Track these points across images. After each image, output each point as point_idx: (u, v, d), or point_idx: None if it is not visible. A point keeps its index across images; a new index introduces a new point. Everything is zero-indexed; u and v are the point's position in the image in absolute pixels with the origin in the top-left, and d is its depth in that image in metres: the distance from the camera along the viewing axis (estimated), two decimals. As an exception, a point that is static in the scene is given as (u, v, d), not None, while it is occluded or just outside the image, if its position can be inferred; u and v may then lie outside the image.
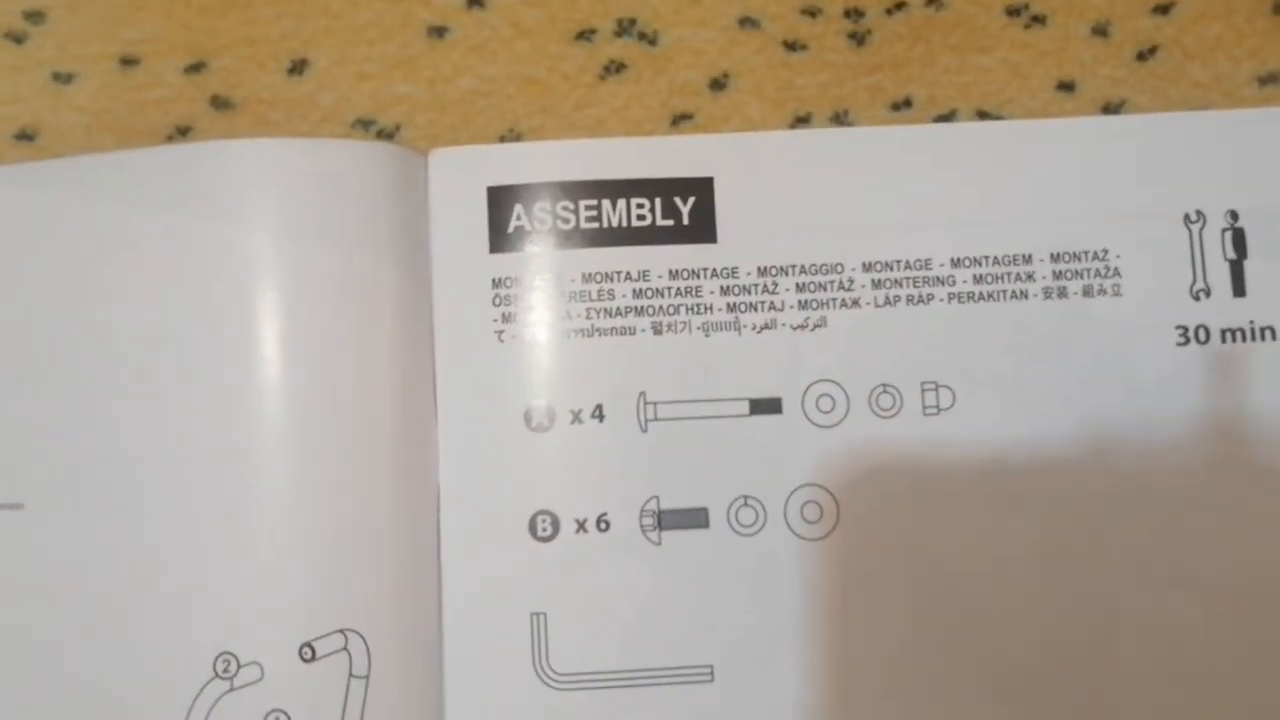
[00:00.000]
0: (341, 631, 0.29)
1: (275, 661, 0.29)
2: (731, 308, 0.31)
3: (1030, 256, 0.31)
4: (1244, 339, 0.31)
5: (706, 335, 0.31)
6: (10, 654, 0.29)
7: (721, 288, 0.31)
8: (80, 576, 0.29)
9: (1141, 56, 0.33)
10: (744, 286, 0.31)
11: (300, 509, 0.29)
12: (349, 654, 0.29)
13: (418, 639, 0.29)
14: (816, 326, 0.31)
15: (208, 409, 0.29)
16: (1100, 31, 0.33)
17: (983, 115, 0.32)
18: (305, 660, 0.29)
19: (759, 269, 0.31)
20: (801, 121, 0.32)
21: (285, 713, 0.28)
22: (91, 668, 0.29)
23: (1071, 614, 0.30)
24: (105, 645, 0.29)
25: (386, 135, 0.32)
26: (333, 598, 0.29)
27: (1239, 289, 0.31)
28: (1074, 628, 0.30)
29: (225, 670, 0.29)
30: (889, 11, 0.33)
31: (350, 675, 0.29)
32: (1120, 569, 0.30)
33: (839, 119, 0.32)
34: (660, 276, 0.31)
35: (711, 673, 0.30)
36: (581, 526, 0.30)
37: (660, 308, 0.31)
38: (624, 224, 0.31)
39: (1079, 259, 0.31)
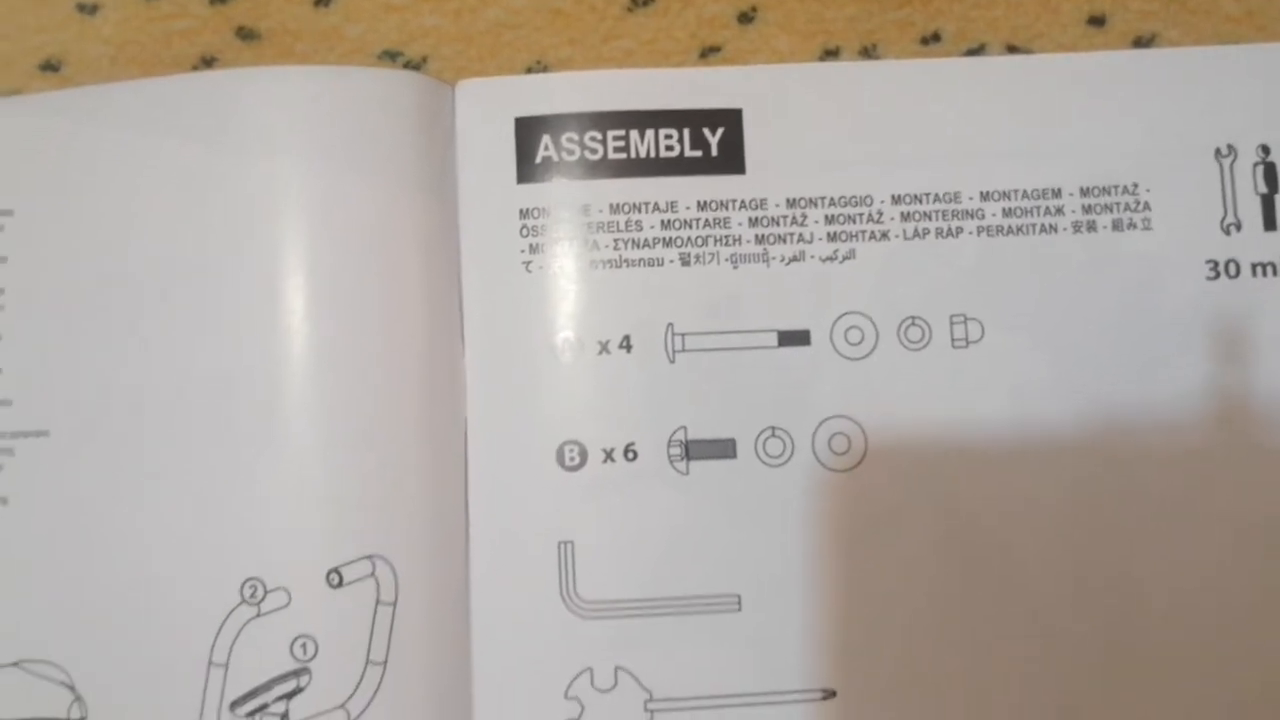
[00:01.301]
0: (369, 558, 0.29)
1: (302, 587, 0.28)
2: (760, 239, 0.31)
3: (1060, 190, 0.31)
4: (1275, 273, 0.31)
5: (735, 267, 0.30)
6: (37, 581, 0.29)
7: (750, 219, 0.31)
8: (106, 503, 0.29)
9: (1172, -8, 0.33)
10: (772, 218, 0.31)
11: (327, 436, 0.29)
12: (376, 580, 0.29)
13: (445, 567, 0.29)
14: (845, 258, 0.31)
15: (234, 338, 0.29)
16: (1130, -33, 0.33)
17: (1012, 49, 0.32)
18: (332, 586, 0.29)
19: (788, 200, 0.31)
20: (830, 55, 0.32)
21: (312, 638, 0.28)
22: (118, 594, 0.29)
23: (1097, 549, 0.30)
24: (131, 571, 0.29)
25: (413, 67, 0.32)
26: (360, 524, 0.29)
27: (1270, 223, 0.31)
28: (1100, 563, 0.30)
29: (252, 596, 0.29)
30: (918, -53, 0.33)
31: (378, 602, 0.29)
32: (1148, 505, 0.30)
33: (867, 53, 0.32)
34: (688, 208, 0.31)
35: (739, 602, 0.30)
36: (609, 456, 0.30)
37: (688, 239, 0.31)
38: (652, 155, 0.31)
39: (1109, 193, 0.31)
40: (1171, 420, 0.30)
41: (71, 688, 0.29)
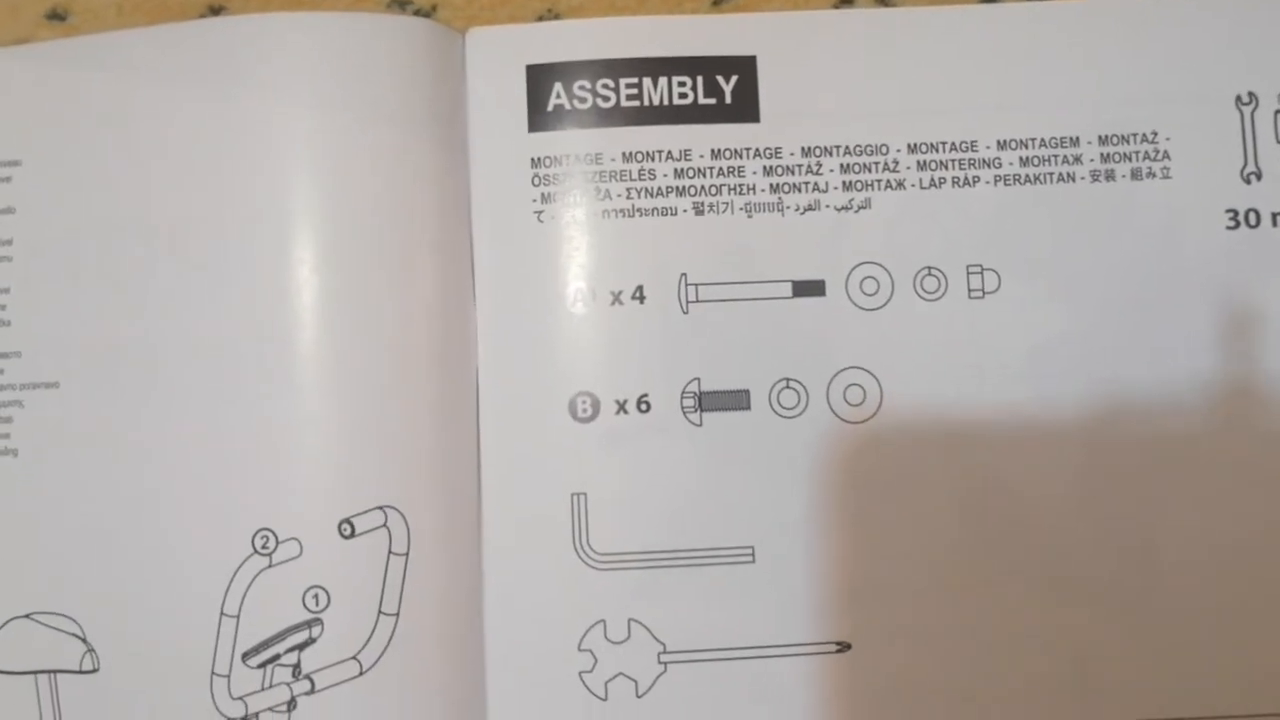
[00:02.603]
0: (381, 509, 0.29)
1: (314, 538, 0.28)
2: (774, 188, 0.30)
3: (1078, 139, 0.31)
4: (1295, 223, 0.31)
5: (749, 216, 0.30)
6: (48, 533, 0.29)
7: (764, 168, 0.30)
8: (117, 455, 0.29)
9: (1192, -61, 0.32)
10: (787, 167, 0.30)
11: (339, 388, 0.29)
12: (388, 531, 0.29)
13: (457, 518, 0.29)
14: (861, 208, 0.30)
15: (245, 288, 0.29)
16: (1150, -86, 0.32)
17: (1030, -3, 0.32)
18: (344, 537, 0.28)
19: (802, 149, 0.30)
20: (846, 2, 0.32)
21: (324, 589, 0.28)
22: (129, 545, 0.29)
23: (1112, 501, 0.30)
24: (142, 522, 0.29)
25: (423, 14, 0.32)
26: (372, 475, 0.29)
27: (1291, 172, 0.31)
28: (1114, 515, 0.30)
29: (264, 546, 0.28)
30: (934, -107, 0.32)
31: (390, 552, 0.29)
32: (1164, 457, 0.30)
33: (884, 0, 0.32)
34: (702, 156, 0.30)
35: (752, 554, 0.29)
36: (622, 408, 0.30)
37: (702, 188, 0.30)
38: (665, 102, 0.30)
39: (1127, 141, 0.31)
40: (1190, 370, 0.30)
41: (84, 639, 0.29)
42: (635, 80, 0.30)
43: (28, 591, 0.29)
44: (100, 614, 0.29)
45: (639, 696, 0.29)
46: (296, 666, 0.28)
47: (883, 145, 0.30)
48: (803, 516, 0.30)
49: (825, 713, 0.29)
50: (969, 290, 0.30)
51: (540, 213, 0.30)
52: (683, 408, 0.30)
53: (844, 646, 0.29)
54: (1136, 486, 0.30)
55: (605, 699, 0.29)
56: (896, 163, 0.30)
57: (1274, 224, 0.30)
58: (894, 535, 0.30)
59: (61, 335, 0.30)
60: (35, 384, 0.30)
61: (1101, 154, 0.30)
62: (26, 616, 0.29)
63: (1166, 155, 0.31)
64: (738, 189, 0.30)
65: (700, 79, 0.30)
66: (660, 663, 0.29)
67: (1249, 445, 0.30)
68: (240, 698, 0.28)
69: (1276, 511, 0.30)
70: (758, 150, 0.30)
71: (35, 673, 0.29)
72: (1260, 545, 0.29)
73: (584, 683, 0.29)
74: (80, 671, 0.29)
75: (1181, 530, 0.30)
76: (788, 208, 0.30)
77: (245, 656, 0.28)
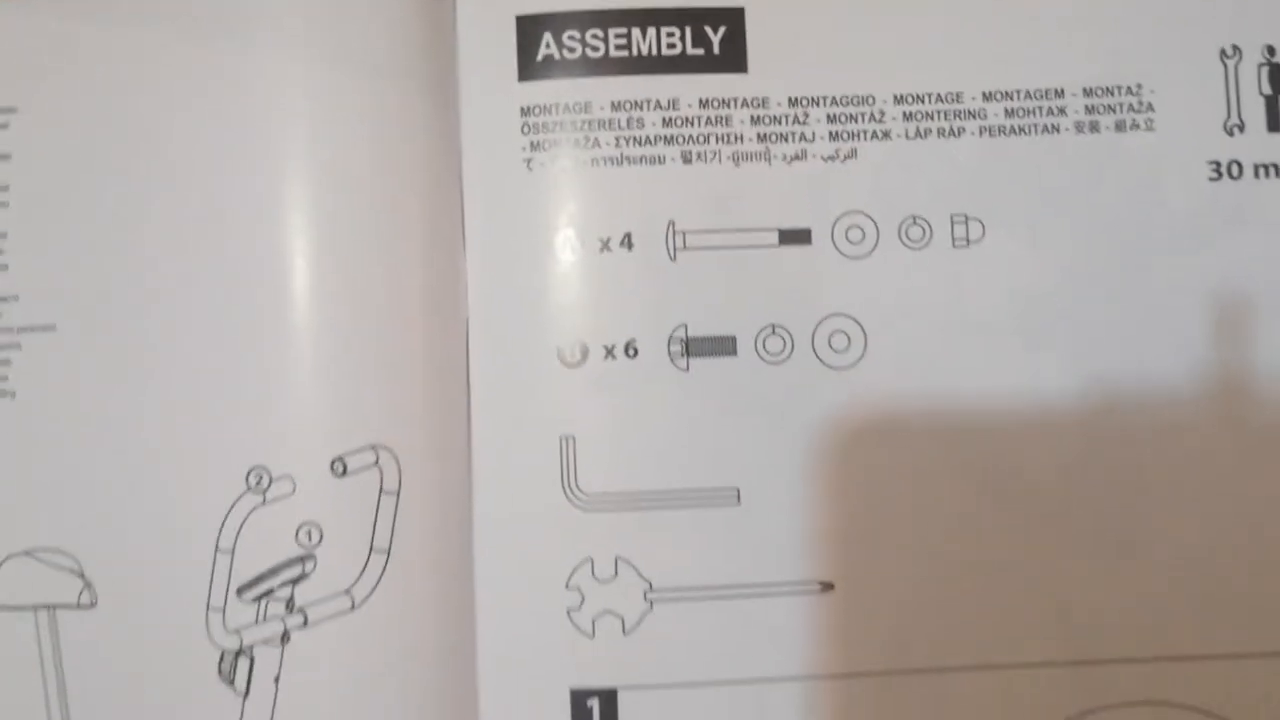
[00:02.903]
0: (373, 448, 0.29)
1: (307, 476, 0.29)
2: (762, 138, 0.31)
3: (1063, 91, 0.31)
4: (1277, 174, 0.31)
5: (736, 165, 0.31)
6: (46, 471, 0.30)
7: (752, 117, 0.31)
8: (113, 395, 0.30)
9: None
10: (774, 117, 0.31)
11: (331, 330, 0.29)
12: (380, 470, 0.29)
13: (447, 459, 0.30)
14: (847, 158, 0.31)
15: (239, 230, 0.29)
16: None
17: (1017, -50, 0.32)
18: (337, 475, 0.29)
19: (789, 99, 0.31)
20: (834, -45, 0.32)
21: (317, 525, 0.29)
22: (126, 483, 0.29)
23: (1097, 441, 0.30)
24: (138, 461, 0.29)
25: (415, -35, 0.32)
26: (364, 415, 0.29)
27: (1274, 124, 0.31)
28: (1099, 455, 0.30)
29: (258, 484, 0.29)
30: None
31: (381, 491, 0.29)
32: (1148, 398, 0.30)
33: (872, -47, 0.32)
34: (690, 105, 0.31)
35: (738, 495, 0.30)
36: (610, 353, 0.30)
37: (690, 137, 0.31)
38: (654, 53, 0.31)
39: (1112, 93, 0.31)
40: (1171, 320, 0.30)
41: (81, 575, 0.29)
42: (624, 30, 0.31)
43: (26, 529, 0.30)
44: (98, 550, 0.29)
45: (625, 633, 0.30)
46: (290, 600, 0.29)
47: (869, 96, 0.31)
48: (786, 460, 0.30)
49: (808, 650, 0.30)
50: (953, 239, 0.31)
51: (529, 161, 0.30)
52: (670, 354, 0.30)
53: (827, 586, 0.30)
54: (1121, 426, 0.30)
55: (592, 635, 0.30)
56: (883, 113, 0.31)
57: (1256, 176, 0.31)
58: (876, 478, 0.30)
59: (58, 279, 0.30)
60: (32, 327, 0.30)
61: (1086, 106, 0.31)
62: (25, 553, 0.30)
63: (1150, 107, 0.31)
64: (725, 138, 0.31)
65: (689, 29, 0.31)
66: (646, 600, 0.30)
67: (1229, 391, 0.30)
68: (235, 630, 0.29)
69: (1262, 451, 0.30)
70: (745, 100, 0.31)
71: (34, 608, 0.29)
72: (1245, 484, 0.30)
73: (571, 620, 0.30)
74: (78, 606, 0.29)
75: (1166, 472, 0.30)
76: (775, 157, 0.31)
77: (240, 591, 0.29)
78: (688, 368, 0.30)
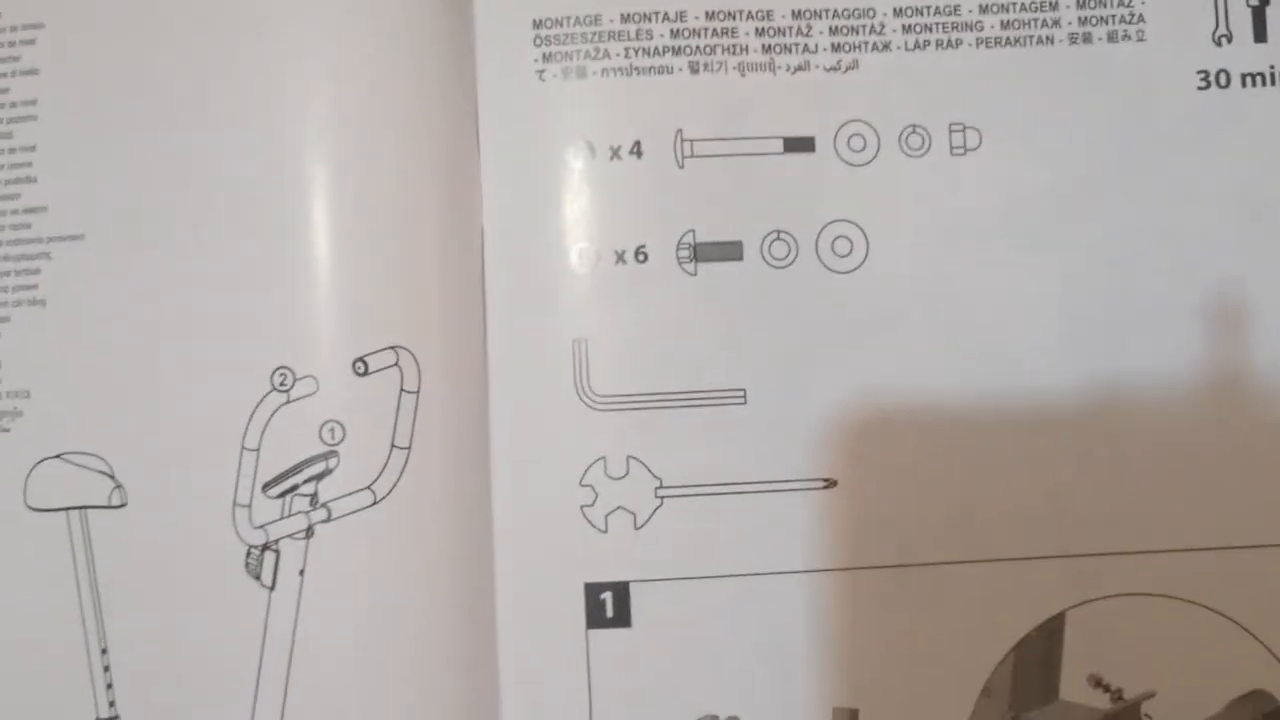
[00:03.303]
0: (393, 349, 0.30)
1: (330, 375, 0.30)
2: (766, 49, 0.32)
3: (1057, 3, 0.32)
4: (1264, 83, 0.32)
5: (742, 75, 0.31)
6: (76, 377, 0.31)
7: (756, 29, 0.32)
8: (140, 302, 0.31)
9: None
10: (778, 29, 0.32)
11: (351, 234, 0.30)
12: (400, 369, 0.30)
13: (465, 361, 0.31)
14: (849, 68, 0.32)
15: (262, 139, 0.30)
16: None
17: None
18: (358, 374, 0.30)
19: (793, 12, 0.32)
20: (835, -127, 0.33)
21: (340, 423, 0.30)
22: (153, 386, 0.30)
23: (1090, 342, 0.31)
24: (165, 364, 0.30)
25: (428, -115, 0.33)
26: (384, 316, 0.30)
27: (1260, 34, 0.32)
28: (1093, 355, 0.31)
29: (282, 383, 0.30)
30: None
31: (401, 390, 0.30)
32: (1139, 299, 0.31)
33: (872, -128, 0.33)
34: (697, 17, 0.31)
35: (744, 395, 0.31)
36: (620, 258, 0.31)
37: (697, 48, 0.31)
38: (661, -34, 0.32)
39: (1104, 4, 0.32)
40: (1162, 225, 0.31)
41: (112, 476, 0.30)
42: (632, -56, 0.32)
43: (57, 433, 0.31)
44: (127, 452, 0.30)
45: (637, 528, 0.31)
46: (314, 496, 0.30)
47: (870, 9, 0.32)
48: (791, 361, 0.31)
49: (812, 545, 0.31)
50: (951, 147, 0.32)
51: (542, 71, 0.31)
52: (678, 258, 0.31)
53: (830, 483, 0.31)
54: (1110, 330, 0.31)
55: (605, 531, 0.31)
56: (883, 25, 0.32)
57: (1243, 85, 0.32)
58: (878, 378, 0.31)
59: (86, 189, 0.31)
60: (61, 236, 0.31)
61: (1079, 17, 0.32)
62: (57, 457, 0.31)
63: (1141, 18, 0.32)
64: (731, 49, 0.31)
65: (695, -57, 0.32)
66: (657, 497, 0.31)
67: (1218, 295, 0.31)
68: (261, 526, 0.30)
69: (1245, 348, 0.31)
70: (750, 12, 0.31)
71: (67, 509, 0.30)
72: (1228, 382, 0.31)
73: (585, 516, 0.31)
74: (109, 506, 0.30)
75: (1154, 370, 0.31)
76: (779, 68, 0.32)
77: (265, 487, 0.30)
78: (695, 272, 0.31)
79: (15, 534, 0.30)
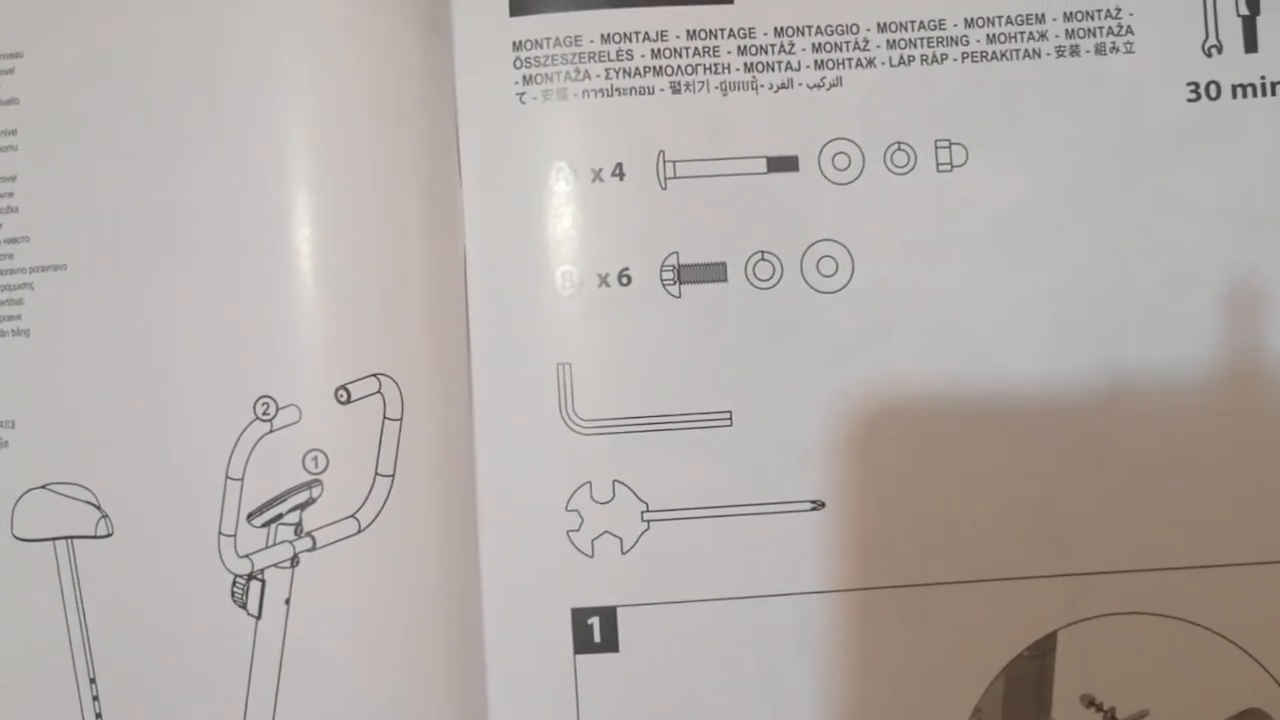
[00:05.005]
0: (375, 376, 0.30)
1: (312, 404, 0.30)
2: (749, 67, 0.31)
3: (1043, 16, 0.31)
4: (1255, 94, 0.31)
5: (724, 94, 0.31)
6: (61, 407, 0.30)
7: (739, 48, 0.31)
8: (124, 331, 0.31)
9: None
10: (761, 46, 0.31)
11: (333, 262, 0.30)
12: (383, 397, 0.30)
13: (448, 387, 0.31)
14: (832, 86, 0.31)
15: (242, 165, 0.30)
16: None
17: (998, -121, 0.33)
18: (341, 402, 0.30)
19: (775, 29, 0.31)
20: (817, -113, 0.33)
21: (323, 452, 0.30)
22: (138, 416, 0.30)
23: (1079, 352, 0.31)
24: (150, 394, 0.30)
25: (406, -94, 0.33)
26: (366, 343, 0.30)
27: (1251, 45, 0.31)
28: (1081, 367, 0.31)
29: (265, 413, 0.30)
30: None
31: (384, 417, 0.30)
32: (1130, 305, 0.31)
33: (855, -115, 0.33)
34: (678, 37, 0.31)
35: (730, 418, 0.31)
36: (604, 281, 0.31)
37: (678, 67, 0.31)
38: (642, -14, 0.31)
39: (1092, 17, 0.31)
40: (1151, 237, 0.31)
41: (98, 506, 0.30)
42: (612, -36, 0.31)
43: (44, 464, 0.31)
44: (113, 482, 0.30)
45: (623, 553, 0.31)
46: (298, 525, 0.30)
47: (853, 25, 0.31)
48: (777, 382, 0.31)
49: (801, 567, 0.31)
50: (937, 164, 0.31)
51: (522, 94, 0.31)
52: (662, 280, 0.31)
53: (818, 504, 0.31)
54: (1102, 345, 0.31)
55: (592, 556, 0.31)
56: (867, 41, 0.31)
57: (1234, 96, 0.31)
58: (864, 398, 0.31)
59: (67, 219, 0.31)
60: (44, 266, 0.31)
61: (1067, 30, 0.31)
62: (43, 487, 0.31)
63: (1130, 30, 0.31)
64: (713, 68, 0.31)
65: (675, -38, 0.31)
66: (643, 521, 0.31)
67: (1211, 306, 0.31)
68: (246, 555, 0.30)
69: (1242, 361, 0.31)
70: (732, 31, 0.31)
71: (53, 539, 0.31)
72: (1225, 395, 0.31)
73: (571, 541, 0.31)
74: (95, 536, 0.30)
75: (1142, 389, 0.31)
76: (761, 86, 0.31)
77: (250, 517, 0.30)
78: (680, 294, 0.31)
79: (2, 564, 0.30)
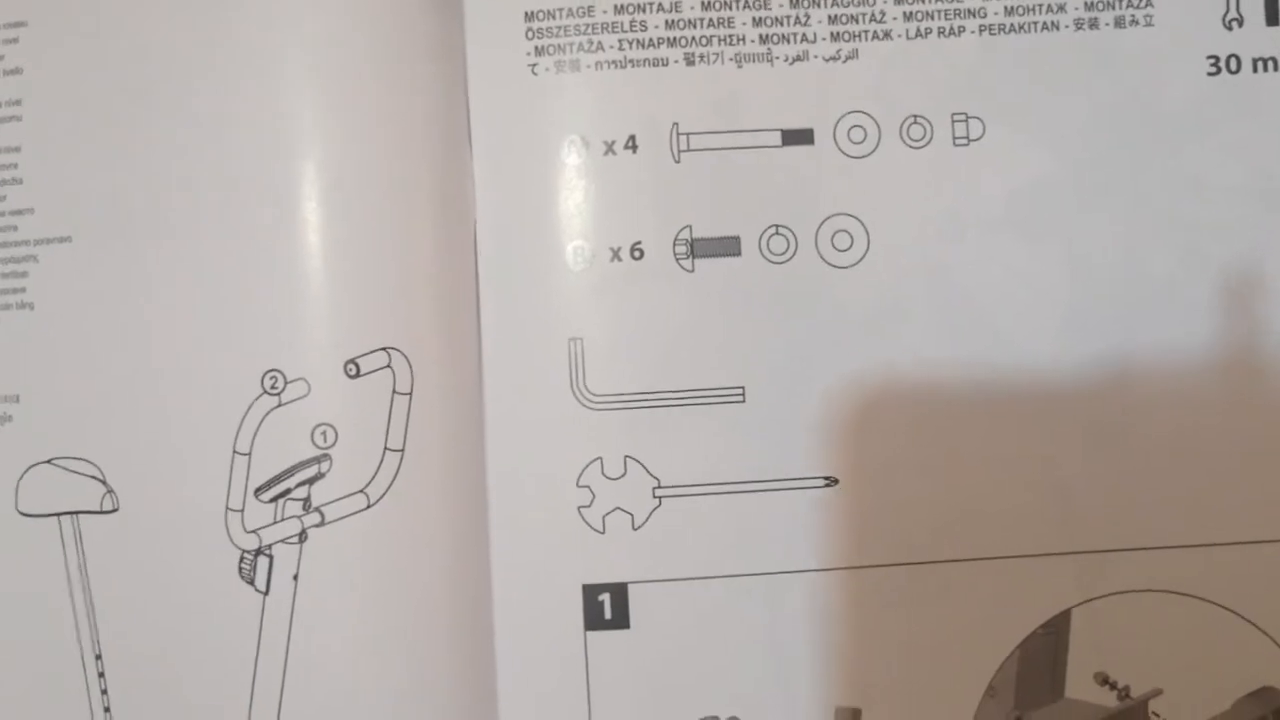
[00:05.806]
0: (385, 350, 0.30)
1: (321, 378, 0.30)
2: (764, 39, 0.31)
3: (1062, -12, 0.31)
4: (1276, 68, 0.31)
5: (739, 66, 0.31)
6: (67, 381, 0.30)
7: (754, 19, 0.31)
8: (130, 304, 0.30)
9: None
10: (776, 18, 0.31)
11: (342, 234, 0.30)
12: (392, 371, 0.30)
13: (458, 361, 0.30)
14: (848, 58, 0.31)
15: (249, 136, 0.30)
16: None
17: None
18: (350, 376, 0.30)
19: (790, 1, 0.31)
20: None
21: (332, 426, 0.30)
22: (144, 390, 0.30)
23: (1095, 332, 0.31)
24: (156, 367, 0.30)
25: (416, -127, 0.32)
26: (375, 317, 0.30)
27: (1272, 18, 0.31)
28: (1097, 348, 0.31)
29: (273, 386, 0.30)
30: None
31: (394, 392, 0.30)
32: (1144, 287, 0.31)
33: None
34: (692, 7, 0.31)
35: (743, 393, 0.31)
36: (616, 255, 0.31)
37: (692, 39, 0.31)
38: (655, -45, 0.31)
39: (1111, -11, 0.31)
40: (1169, 212, 0.31)
41: (103, 481, 0.30)
42: (626, -67, 0.31)
43: (49, 438, 0.30)
44: (118, 456, 0.30)
45: (635, 529, 0.30)
46: (307, 500, 0.30)
47: (870, -4, 0.31)
48: (790, 358, 0.31)
49: (813, 544, 0.31)
50: (954, 138, 0.31)
51: (534, 65, 0.31)
52: (675, 255, 0.31)
53: (831, 481, 0.31)
54: (1118, 321, 0.31)
55: (603, 532, 0.30)
56: (883, 14, 0.31)
57: (1254, 70, 0.31)
58: (879, 374, 0.31)
59: (73, 190, 0.30)
60: (49, 239, 0.30)
61: (1085, 3, 0.31)
62: (48, 462, 0.30)
63: (1149, 3, 0.31)
64: (728, 40, 0.31)
65: (690, -69, 0.31)
66: (655, 497, 0.31)
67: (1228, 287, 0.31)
68: (254, 530, 0.30)
69: (1256, 342, 0.31)
70: (747, 2, 0.31)
71: (59, 514, 0.30)
72: (1239, 375, 0.31)
73: (582, 516, 0.31)
74: (101, 511, 0.30)
75: (1156, 371, 0.31)
76: (777, 58, 0.31)
77: (258, 492, 0.30)
78: (693, 268, 0.31)
79: (7, 539, 0.30)
